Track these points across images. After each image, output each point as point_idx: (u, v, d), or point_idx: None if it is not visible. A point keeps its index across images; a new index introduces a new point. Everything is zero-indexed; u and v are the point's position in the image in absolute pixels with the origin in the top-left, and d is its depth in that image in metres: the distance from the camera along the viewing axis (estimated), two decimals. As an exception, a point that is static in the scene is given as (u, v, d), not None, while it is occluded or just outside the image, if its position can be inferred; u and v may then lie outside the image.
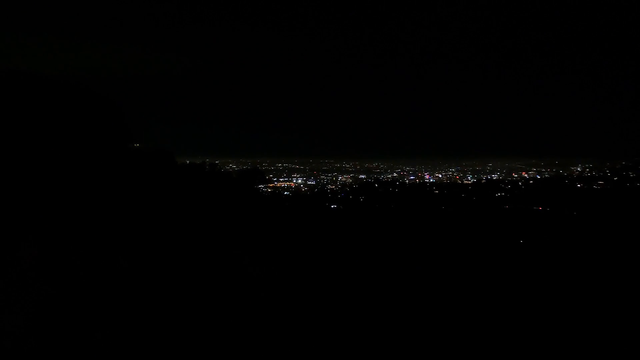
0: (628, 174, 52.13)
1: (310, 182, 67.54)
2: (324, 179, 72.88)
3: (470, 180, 65.55)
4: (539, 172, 70.95)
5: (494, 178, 66.50)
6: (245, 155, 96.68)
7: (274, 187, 55.22)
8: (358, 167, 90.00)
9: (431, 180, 69.13)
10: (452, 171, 79.23)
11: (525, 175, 69.24)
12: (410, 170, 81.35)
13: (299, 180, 68.67)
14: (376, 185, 56.88)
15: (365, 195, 45.54)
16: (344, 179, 72.15)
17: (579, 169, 67.55)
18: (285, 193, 48.05)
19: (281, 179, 68.23)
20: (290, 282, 7.24)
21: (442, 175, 75.52)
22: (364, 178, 71.33)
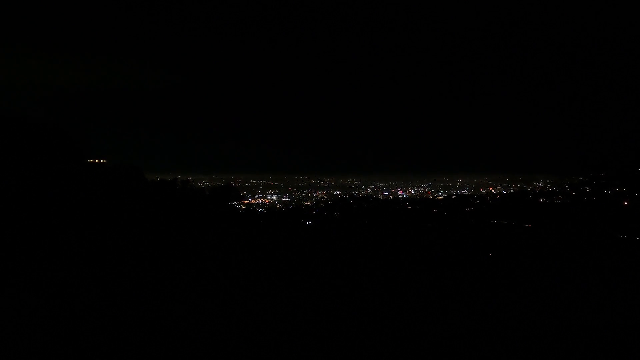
0: (585, 189, 55.73)
1: (285, 199, 67.12)
2: (298, 195, 72.68)
3: (441, 196, 67.44)
4: (504, 188, 74.13)
5: (464, 193, 68.81)
6: (218, 172, 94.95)
7: (248, 204, 54.35)
8: (333, 183, 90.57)
9: (404, 196, 70.55)
10: (424, 187, 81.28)
11: (493, 190, 72.12)
12: (384, 186, 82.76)
13: (274, 197, 68.08)
14: (351, 201, 57.30)
15: (340, 211, 45.70)
16: (319, 195, 72.26)
17: (541, 184, 71.24)
18: (260, 210, 47.37)
19: (256, 196, 67.37)
20: (264, 300, 7.05)
21: (414, 191, 77.29)
22: (339, 194, 71.74)
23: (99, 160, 35.06)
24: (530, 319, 6.37)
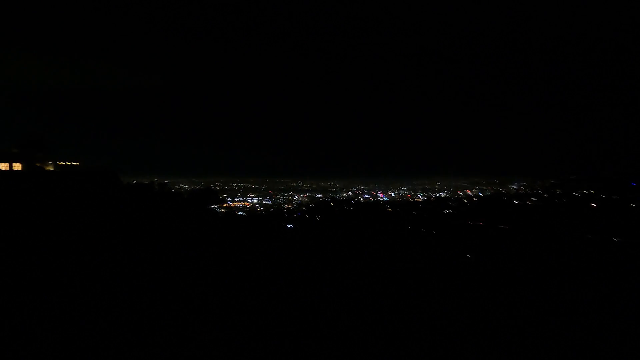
0: (555, 191, 58.08)
1: (266, 202, 66.50)
2: (280, 198, 72.17)
3: (421, 198, 68.51)
4: (481, 190, 76.07)
5: (442, 196, 70.12)
6: (198, 175, 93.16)
7: (229, 207, 53.55)
8: (314, 186, 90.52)
9: (384, 199, 71.25)
10: (404, 190, 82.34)
11: (470, 192, 73.85)
12: (365, 189, 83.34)
13: (255, 200, 67.33)
14: (332, 203, 57.42)
15: (321, 214, 45.66)
16: (300, 198, 72.03)
17: (515, 187, 73.55)
18: (240, 213, 46.72)
19: (236, 199, 66.42)
20: (241, 304, 6.91)
21: (394, 193, 78.16)
22: (320, 197, 71.77)
23: (71, 162, 33.77)
24: (508, 315, 6.51)
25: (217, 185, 74.33)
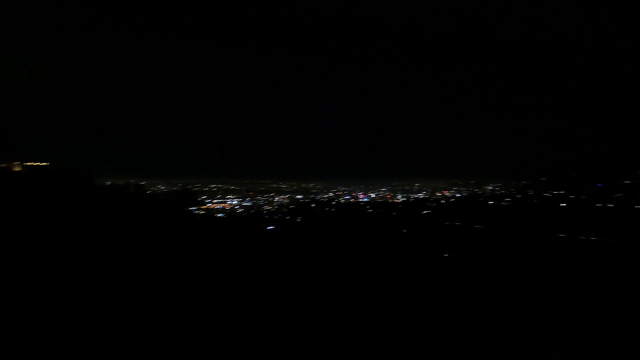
0: (528, 192, 60.43)
1: (246, 203, 65.74)
2: (260, 199, 71.55)
3: (400, 199, 69.54)
4: (458, 191, 77.99)
5: (421, 197, 71.41)
6: (176, 176, 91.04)
7: (208, 209, 52.66)
8: (295, 187, 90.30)
9: (365, 200, 71.89)
10: (383, 191, 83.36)
11: (447, 193, 75.58)
12: (345, 190, 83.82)
13: (234, 202, 66.45)
14: (313, 205, 57.44)
15: (302, 215, 45.57)
16: (280, 200, 71.65)
17: (490, 188, 75.89)
18: (220, 215, 46.02)
19: (215, 201, 65.36)
20: (219, 308, 6.81)
21: (374, 194, 78.99)
22: (301, 198, 71.66)
23: (40, 163, 32.33)
24: (483, 314, 6.71)
25: (196, 187, 72.94)
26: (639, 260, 19.23)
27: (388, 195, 77.50)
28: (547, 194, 55.53)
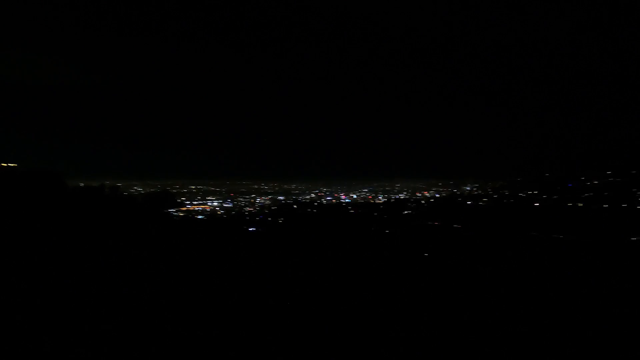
0: (504, 192, 62.35)
1: (227, 205, 64.77)
2: (241, 201, 70.67)
3: (381, 200, 70.32)
4: (437, 192, 79.55)
5: (402, 197, 72.44)
6: (154, 177, 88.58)
7: (187, 211, 51.58)
8: (277, 188, 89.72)
9: (346, 201, 72.27)
10: (365, 191, 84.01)
11: (427, 194, 76.97)
12: (327, 191, 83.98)
13: (215, 203, 65.36)
14: (295, 206, 57.24)
15: (284, 217, 45.33)
16: (262, 201, 70.97)
17: (468, 188, 77.84)
18: (200, 217, 45.13)
19: (195, 202, 64.08)
20: (200, 312, 6.61)
21: (356, 195, 79.50)
22: (283, 199, 71.24)
23: (7, 164, 30.70)
24: (463, 314, 6.80)
25: (175, 188, 71.32)
26: (606, 256, 20.14)
27: (370, 196, 78.10)
28: (522, 194, 57.42)
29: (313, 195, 78.72)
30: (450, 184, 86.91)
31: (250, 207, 62.54)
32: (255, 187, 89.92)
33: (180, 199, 54.50)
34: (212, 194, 75.82)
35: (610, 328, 5.95)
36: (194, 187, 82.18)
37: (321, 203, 64.72)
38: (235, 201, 69.27)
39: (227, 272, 10.25)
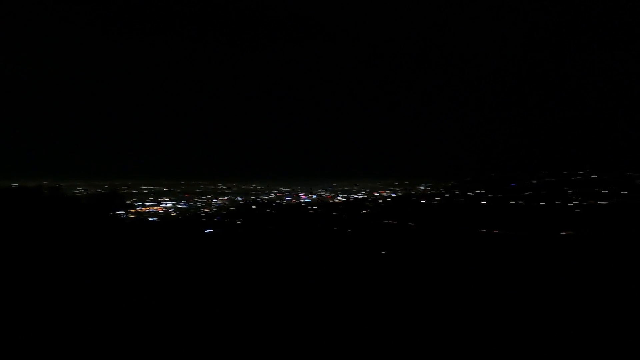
0: (455, 191, 66.20)
1: (181, 206, 62.10)
2: (197, 202, 68.12)
3: (340, 199, 71.31)
4: (394, 191, 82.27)
5: (360, 197, 73.98)
6: (100, 178, 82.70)
7: (138, 213, 48.76)
8: (235, 189, 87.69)
9: (306, 200, 72.40)
10: (324, 191, 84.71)
11: (384, 193, 79.32)
12: (287, 191, 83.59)
13: (169, 204, 62.39)
14: (254, 206, 56.27)
15: (242, 218, 44.39)
16: (219, 201, 68.97)
17: (422, 188, 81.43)
18: (152, 219, 42.85)
19: (146, 204, 60.72)
20: (151, 320, 6.27)
21: (315, 195, 79.92)
22: (242, 200, 69.78)
23: None
24: (422, 311, 7.06)
25: (124, 189, 67.11)
26: (546, 250, 22.05)
27: (329, 195, 78.87)
28: (470, 193, 61.34)
29: (272, 195, 77.94)
30: (405, 184, 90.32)
31: (206, 208, 60.50)
32: (212, 187, 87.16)
33: (130, 200, 51.39)
34: (166, 194, 72.39)
35: (548, 316, 6.49)
36: (145, 187, 77.92)
37: (280, 203, 64.24)
38: (191, 202, 66.63)
39: (178, 277, 9.80)
